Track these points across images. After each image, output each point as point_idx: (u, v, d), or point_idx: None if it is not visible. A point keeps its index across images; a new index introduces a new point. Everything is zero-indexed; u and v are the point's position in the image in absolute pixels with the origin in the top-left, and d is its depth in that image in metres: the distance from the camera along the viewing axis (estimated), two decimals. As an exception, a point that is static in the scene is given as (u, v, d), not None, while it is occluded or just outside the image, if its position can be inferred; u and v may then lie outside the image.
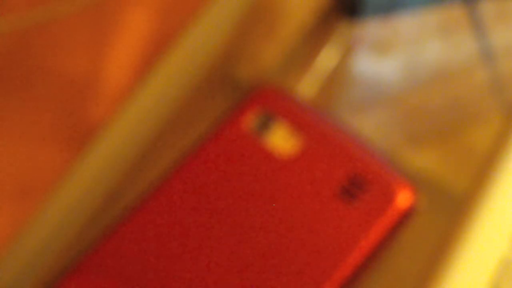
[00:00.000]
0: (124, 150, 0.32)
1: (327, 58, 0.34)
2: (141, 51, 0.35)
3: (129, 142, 0.32)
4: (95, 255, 0.27)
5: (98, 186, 0.31)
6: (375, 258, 0.27)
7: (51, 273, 0.28)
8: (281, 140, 0.28)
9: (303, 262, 0.26)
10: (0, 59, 0.34)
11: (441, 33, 0.35)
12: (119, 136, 0.32)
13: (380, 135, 0.33)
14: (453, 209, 0.30)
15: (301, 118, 0.29)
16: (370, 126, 0.33)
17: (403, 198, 0.27)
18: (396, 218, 0.27)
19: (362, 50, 0.34)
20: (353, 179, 0.27)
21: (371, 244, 0.27)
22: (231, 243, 0.27)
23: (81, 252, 0.27)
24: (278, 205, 0.27)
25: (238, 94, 0.30)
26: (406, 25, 0.35)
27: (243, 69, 0.34)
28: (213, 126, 0.29)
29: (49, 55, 0.34)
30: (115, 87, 0.34)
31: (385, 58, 0.34)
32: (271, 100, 0.29)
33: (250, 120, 0.29)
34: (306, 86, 0.33)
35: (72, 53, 0.35)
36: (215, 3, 0.33)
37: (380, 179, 0.27)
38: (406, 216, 0.27)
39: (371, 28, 0.35)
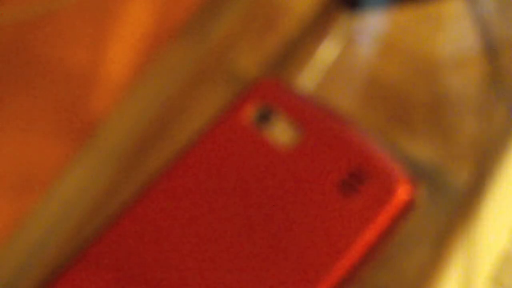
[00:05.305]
0: (124, 143, 0.32)
1: (327, 50, 0.34)
2: (141, 45, 0.35)
3: (129, 135, 0.32)
4: (95, 248, 0.27)
5: (98, 178, 0.31)
6: (375, 251, 0.27)
7: (51, 266, 0.28)
8: (281, 132, 0.28)
9: (303, 255, 0.26)
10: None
11: (442, 26, 0.35)
12: (119, 129, 0.32)
13: (380, 127, 0.33)
14: (454, 202, 0.30)
15: (301, 110, 0.28)
16: (370, 119, 0.33)
17: (404, 191, 0.27)
18: (397, 211, 0.27)
19: (363, 42, 0.34)
20: (354, 171, 0.27)
21: (371, 237, 0.27)
22: (231, 235, 0.27)
23: (81, 245, 0.27)
24: (278, 198, 0.27)
25: (238, 87, 0.30)
26: (407, 17, 0.35)
27: (243, 62, 0.34)
28: (213, 118, 0.29)
29: (48, 48, 0.34)
30: (116, 80, 0.34)
31: (386, 51, 0.34)
32: (271, 93, 0.29)
33: (250, 113, 0.29)
34: (306, 79, 0.33)
35: (72, 46, 0.34)
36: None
37: (381, 171, 0.27)
38: (406, 209, 0.27)
39: (372, 21, 0.35)
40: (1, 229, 0.31)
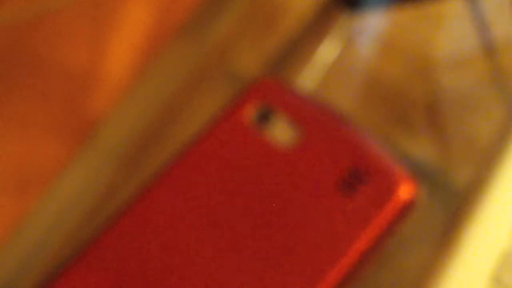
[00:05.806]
0: (124, 143, 0.32)
1: (327, 50, 0.34)
2: (141, 44, 0.35)
3: (129, 135, 0.32)
4: (95, 248, 0.27)
5: (98, 178, 0.31)
6: (376, 251, 0.27)
7: (51, 266, 0.28)
8: (281, 132, 0.28)
9: (303, 255, 0.26)
10: None
11: (442, 26, 0.35)
12: (119, 129, 0.32)
13: (380, 127, 0.33)
14: (454, 202, 0.30)
15: (301, 110, 0.28)
16: (370, 119, 0.33)
17: (404, 191, 0.27)
18: (397, 211, 0.27)
19: (363, 42, 0.34)
20: (354, 171, 0.27)
21: (371, 237, 0.27)
22: (231, 235, 0.27)
23: (81, 245, 0.27)
24: (278, 197, 0.27)
25: (238, 87, 0.30)
26: (407, 17, 0.35)
27: (243, 62, 0.34)
28: (213, 118, 0.29)
29: (48, 48, 0.34)
30: (116, 80, 0.34)
31: (386, 51, 0.34)
32: (271, 93, 0.29)
33: (250, 113, 0.29)
34: (306, 79, 0.33)
35: (71, 46, 0.34)
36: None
37: (381, 171, 0.27)
38: (406, 209, 0.27)
39: (372, 20, 0.35)
40: (1, 229, 0.31)
